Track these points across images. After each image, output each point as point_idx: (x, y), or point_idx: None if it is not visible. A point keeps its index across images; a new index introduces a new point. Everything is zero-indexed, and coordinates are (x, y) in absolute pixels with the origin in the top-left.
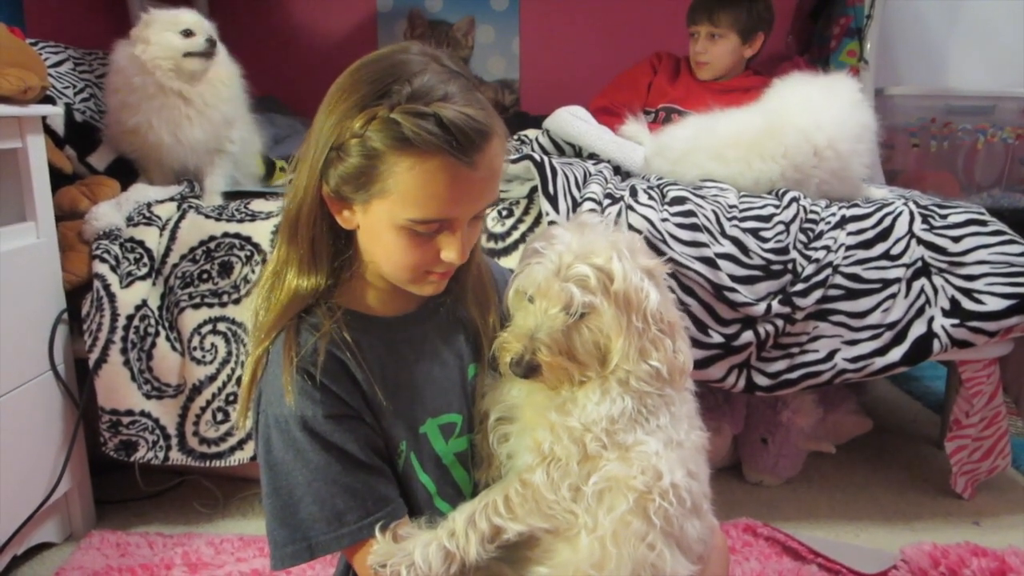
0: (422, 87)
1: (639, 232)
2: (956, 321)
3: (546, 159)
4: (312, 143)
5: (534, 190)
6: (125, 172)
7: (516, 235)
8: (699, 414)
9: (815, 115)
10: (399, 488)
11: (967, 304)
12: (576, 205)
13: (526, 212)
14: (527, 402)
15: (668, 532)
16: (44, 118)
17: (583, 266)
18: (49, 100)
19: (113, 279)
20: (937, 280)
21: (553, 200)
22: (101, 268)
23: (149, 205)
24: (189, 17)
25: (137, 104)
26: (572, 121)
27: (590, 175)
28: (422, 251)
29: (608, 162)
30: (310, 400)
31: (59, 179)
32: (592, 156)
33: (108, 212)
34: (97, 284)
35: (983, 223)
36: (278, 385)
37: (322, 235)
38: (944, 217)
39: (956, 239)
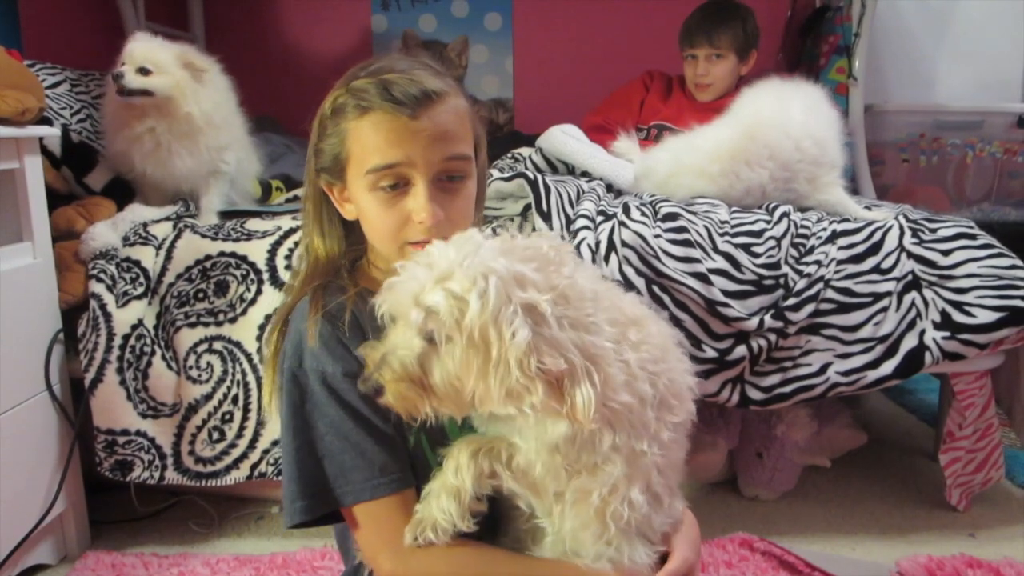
0: (378, 67)
1: (632, 248)
2: (947, 334)
3: (539, 177)
4: (311, 146)
5: (528, 208)
6: (122, 192)
7: None
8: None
9: (786, 111)
10: (409, 462)
11: (958, 317)
12: (570, 222)
13: (520, 229)
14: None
15: (626, 530)
16: (41, 139)
17: (437, 292)
18: (46, 121)
19: (109, 299)
20: (928, 293)
21: (547, 217)
22: (97, 288)
23: (145, 225)
24: (131, 47)
25: (116, 133)
26: (564, 139)
27: (583, 192)
28: (394, 213)
29: (600, 180)
30: (331, 356)
31: (56, 199)
32: (585, 174)
33: (104, 232)
34: (93, 304)
35: (972, 236)
36: (299, 338)
37: (332, 220)
38: (934, 231)
39: (946, 252)
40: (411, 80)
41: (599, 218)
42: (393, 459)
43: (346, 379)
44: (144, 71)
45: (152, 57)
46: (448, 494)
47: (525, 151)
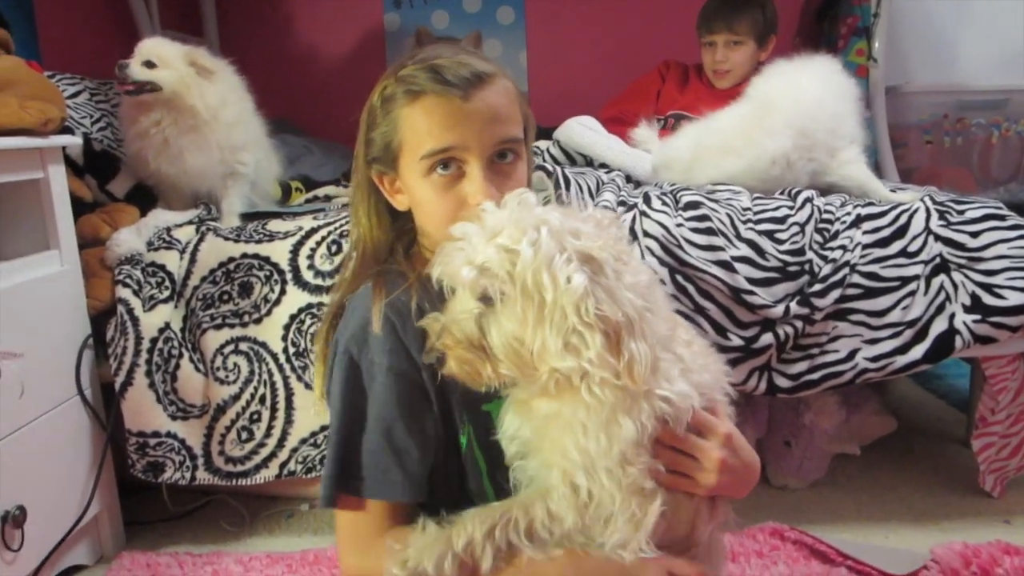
0: (424, 55)
1: (655, 239)
2: (977, 317)
3: (558, 169)
4: (360, 138)
5: (547, 201)
6: (144, 198)
7: None
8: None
9: (795, 83)
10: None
11: (988, 299)
12: None
13: None
14: (541, 436)
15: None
16: (64, 148)
17: (488, 248)
18: (68, 131)
19: (136, 303)
20: (957, 276)
21: None
22: (124, 293)
23: (169, 229)
24: (141, 43)
25: (128, 131)
26: (582, 131)
27: (603, 184)
28: (450, 197)
29: (619, 171)
30: (381, 348)
31: (80, 207)
32: (603, 166)
33: (129, 238)
34: (121, 309)
35: (1001, 217)
36: (363, 322)
37: (381, 211)
38: (961, 213)
39: (974, 234)
40: (460, 63)
41: (620, 208)
42: (398, 467)
43: (388, 374)
44: (149, 64)
45: (158, 52)
46: (454, 563)
47: (542, 144)
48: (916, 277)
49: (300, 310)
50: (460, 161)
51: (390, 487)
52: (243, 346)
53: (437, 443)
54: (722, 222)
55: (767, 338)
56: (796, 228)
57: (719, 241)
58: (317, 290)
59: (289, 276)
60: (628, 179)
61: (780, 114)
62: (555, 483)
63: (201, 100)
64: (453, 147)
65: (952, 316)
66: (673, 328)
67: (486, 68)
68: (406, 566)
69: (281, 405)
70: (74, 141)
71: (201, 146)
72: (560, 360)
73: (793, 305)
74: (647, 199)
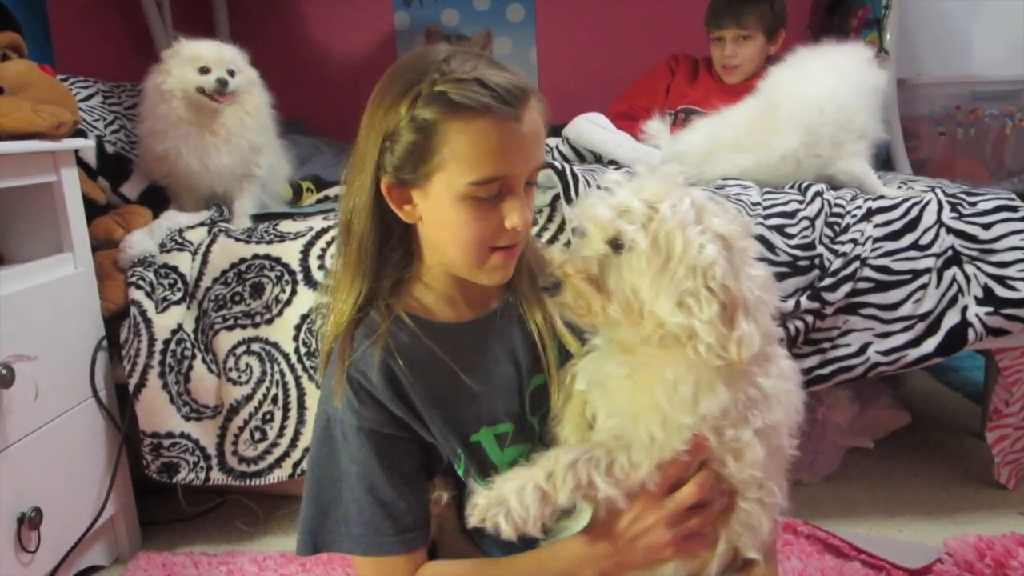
0: (457, 63)
1: None
2: (990, 309)
3: (567, 166)
4: (361, 146)
5: (556, 198)
6: (156, 200)
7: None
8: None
9: (806, 75)
10: (424, 513)
11: (1001, 291)
12: None
13: (550, 220)
14: (624, 378)
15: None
16: (77, 151)
17: (633, 199)
18: (81, 133)
19: (149, 305)
20: (969, 268)
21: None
22: (137, 295)
23: (181, 231)
24: (209, 52)
25: (164, 131)
26: (591, 128)
27: None
28: (486, 221)
29: (628, 167)
30: (350, 409)
31: (93, 210)
32: (613, 162)
33: (141, 240)
34: (134, 310)
35: (1014, 209)
36: (329, 385)
37: (370, 235)
38: (973, 204)
39: (986, 226)
40: (507, 78)
41: None
42: (390, 517)
43: (359, 433)
44: (232, 72)
45: (231, 57)
46: (535, 493)
47: (552, 141)
48: (928, 270)
49: (311, 310)
50: (504, 186)
51: (384, 541)
52: (255, 347)
53: (429, 480)
54: None
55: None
56: (806, 222)
57: None
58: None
59: (300, 276)
60: None
61: (786, 111)
62: (638, 432)
63: (261, 98)
64: (508, 175)
65: (964, 309)
66: (771, 341)
67: (526, 83)
68: (488, 509)
69: (293, 405)
70: (86, 144)
71: (230, 147)
72: (671, 316)
73: (803, 300)
74: None
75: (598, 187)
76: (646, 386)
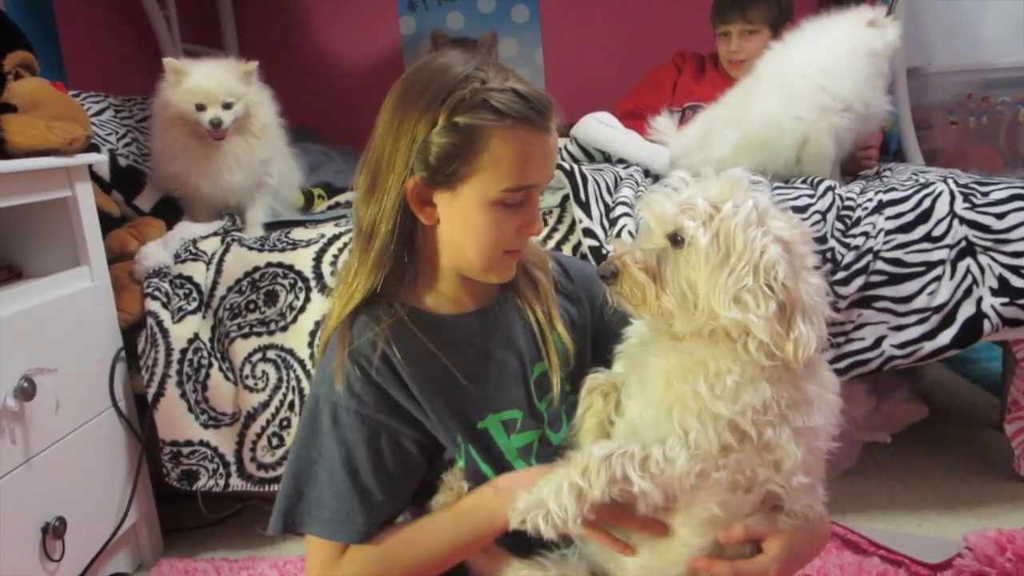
0: (492, 73)
1: None
2: (1006, 300)
3: (576, 167)
4: (388, 148)
5: (566, 198)
6: (170, 211)
7: (551, 244)
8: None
9: (794, 42)
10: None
11: (1016, 281)
12: (609, 210)
13: (559, 221)
14: (663, 366)
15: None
16: (90, 166)
17: (696, 197)
18: (94, 148)
19: (165, 315)
20: (983, 259)
21: (585, 207)
22: (153, 305)
23: (194, 241)
24: (203, 86)
25: (175, 155)
26: (598, 127)
27: (621, 180)
28: (508, 225)
29: (637, 165)
30: (350, 391)
31: (108, 223)
32: (621, 161)
33: (156, 251)
34: (150, 321)
35: None
36: (329, 369)
37: (394, 235)
38: (986, 195)
39: (1000, 216)
40: (532, 89)
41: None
42: (367, 509)
43: (355, 417)
44: (227, 106)
45: (227, 90)
46: (572, 492)
47: (560, 141)
48: (942, 262)
49: (324, 316)
50: (527, 193)
51: (353, 529)
52: (271, 354)
53: (416, 477)
54: None
55: None
56: (817, 216)
57: None
58: None
59: (313, 283)
60: (647, 174)
61: (765, 76)
62: (671, 423)
63: (268, 115)
64: (536, 183)
65: (980, 300)
66: (821, 348)
67: (548, 95)
68: (528, 512)
69: None
70: (100, 159)
71: (241, 165)
72: (727, 310)
73: None
74: None
75: (663, 185)
76: (688, 373)
